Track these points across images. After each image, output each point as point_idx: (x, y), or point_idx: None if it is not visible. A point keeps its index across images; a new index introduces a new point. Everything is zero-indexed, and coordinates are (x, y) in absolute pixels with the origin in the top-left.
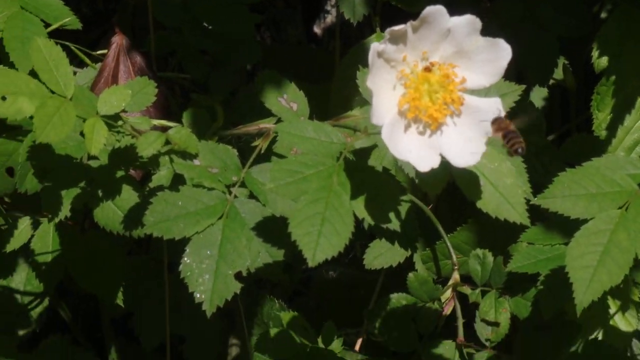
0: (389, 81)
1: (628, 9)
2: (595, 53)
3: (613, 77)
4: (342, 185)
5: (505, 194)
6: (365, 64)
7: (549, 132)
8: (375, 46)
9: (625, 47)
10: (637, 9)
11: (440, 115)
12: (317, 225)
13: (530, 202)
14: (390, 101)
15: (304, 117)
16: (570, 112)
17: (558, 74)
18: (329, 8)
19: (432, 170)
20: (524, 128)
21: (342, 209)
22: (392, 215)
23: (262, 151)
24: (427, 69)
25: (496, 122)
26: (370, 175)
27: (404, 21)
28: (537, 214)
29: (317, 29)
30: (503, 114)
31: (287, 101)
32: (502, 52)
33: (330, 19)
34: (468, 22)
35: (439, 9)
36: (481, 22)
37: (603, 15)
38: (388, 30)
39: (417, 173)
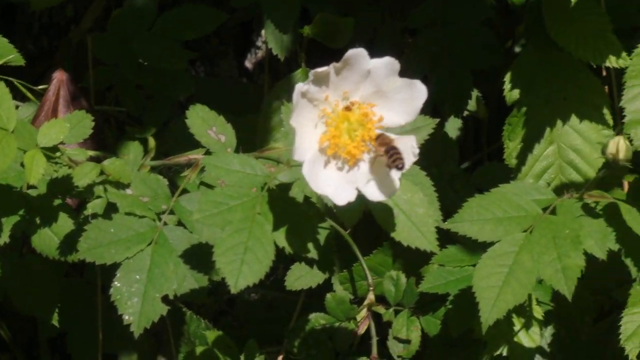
0: (311, 119)
1: (540, 44)
2: (507, 86)
3: (524, 109)
4: (264, 216)
5: (417, 223)
6: (290, 98)
7: (463, 161)
8: (299, 87)
9: (536, 80)
10: (548, 45)
11: (358, 152)
12: (240, 254)
13: (440, 224)
14: (312, 138)
15: (231, 148)
16: (482, 142)
17: (472, 105)
18: (259, 44)
19: (349, 204)
20: (438, 157)
21: (264, 238)
22: (310, 245)
23: (191, 181)
24: (348, 108)
25: (380, 137)
26: (291, 206)
27: (327, 56)
28: (449, 238)
29: (248, 64)
30: (417, 151)
31: (216, 133)
32: (418, 92)
33: (261, 54)
34: (387, 64)
35: (360, 52)
36: (399, 64)
37: (517, 49)
38: (312, 72)
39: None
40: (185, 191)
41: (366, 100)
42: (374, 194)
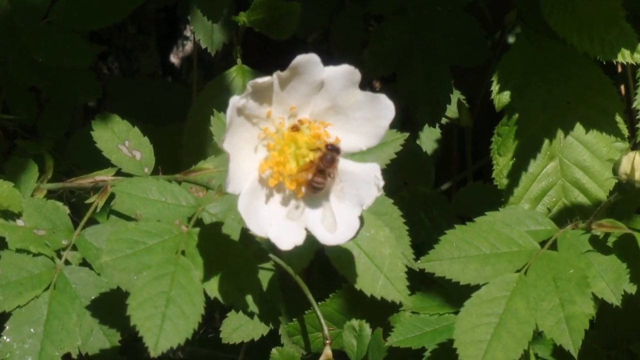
0: (249, 141)
1: (534, 35)
2: (495, 87)
3: (516, 116)
4: (191, 258)
5: (382, 267)
6: (223, 105)
7: (441, 182)
8: (235, 101)
9: (531, 79)
10: (546, 35)
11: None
12: (161, 307)
13: (412, 265)
14: (250, 165)
15: (149, 168)
16: (465, 157)
17: (452, 111)
18: (188, 34)
19: (297, 247)
20: (410, 177)
21: (190, 287)
22: (249, 298)
23: (99, 209)
24: (295, 128)
25: (330, 161)
26: (224, 245)
27: (270, 49)
28: (424, 278)
29: (174, 59)
30: (381, 183)
31: (129, 149)
32: (383, 109)
33: (189, 46)
34: (345, 74)
35: (311, 58)
36: (360, 74)
37: (509, 40)
38: (250, 82)
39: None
40: (92, 222)
41: (318, 118)
42: (328, 237)
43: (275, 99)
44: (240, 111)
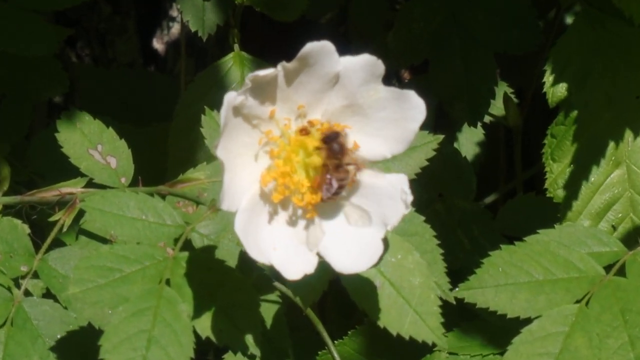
0: (248, 147)
1: (596, 15)
2: (548, 78)
3: (574, 113)
4: (178, 289)
5: (411, 300)
6: (218, 99)
7: (484, 193)
8: (231, 99)
9: (593, 68)
10: (610, 15)
11: (319, 198)
12: (141, 350)
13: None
14: (250, 177)
15: (126, 178)
16: (513, 164)
17: (497, 108)
18: (174, 14)
19: (306, 276)
20: (445, 189)
21: (177, 324)
22: (249, 337)
23: (65, 229)
24: (304, 131)
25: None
26: (218, 274)
27: (274, 35)
28: (463, 312)
29: (157, 44)
30: (410, 198)
31: (103, 154)
32: (411, 109)
33: (176, 29)
34: (365, 65)
35: (324, 47)
36: (384, 65)
37: (568, 20)
38: (250, 76)
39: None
40: (57, 243)
41: (333, 119)
42: (345, 263)
43: (280, 96)
44: (237, 110)
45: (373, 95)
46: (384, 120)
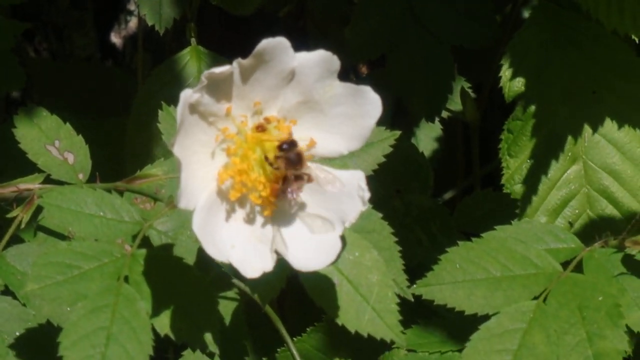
0: (205, 145)
1: (553, 8)
2: (505, 72)
3: (531, 108)
4: (136, 286)
5: (369, 298)
6: (175, 94)
7: (441, 190)
8: (187, 96)
9: (550, 63)
10: (568, 9)
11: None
12: (100, 347)
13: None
14: (207, 175)
15: (84, 174)
16: (471, 159)
17: (455, 102)
18: (132, 7)
19: (265, 274)
20: (403, 185)
21: (136, 321)
22: (208, 335)
23: (23, 225)
24: (261, 128)
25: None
26: (176, 271)
27: (231, 27)
28: (421, 308)
29: (115, 38)
30: (367, 195)
31: (60, 150)
32: (367, 105)
33: (134, 22)
34: (320, 61)
35: (280, 43)
36: (339, 61)
37: (525, 14)
38: (205, 73)
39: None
40: (15, 240)
41: (289, 116)
42: (302, 261)
43: (235, 93)
44: (193, 108)
45: (329, 91)
46: (340, 117)
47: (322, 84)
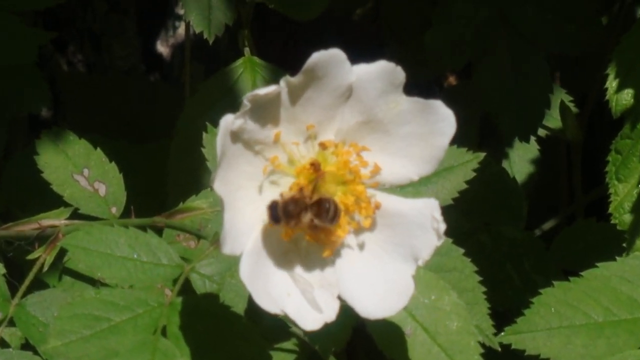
0: (251, 178)
1: None
2: (612, 83)
3: None
4: (175, 341)
5: (448, 348)
6: (226, 112)
7: (536, 221)
8: (227, 123)
9: None
10: None
11: (339, 232)
12: None
13: (492, 342)
14: (254, 213)
15: (117, 208)
16: (574, 185)
17: (553, 119)
18: (182, 12)
19: (327, 325)
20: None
21: None
22: None
23: (46, 268)
24: (315, 166)
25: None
26: (222, 322)
27: (293, 34)
28: (509, 359)
29: (162, 47)
30: (442, 227)
31: (90, 180)
32: (439, 122)
33: (183, 28)
34: (382, 74)
35: (334, 56)
36: (404, 73)
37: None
38: (249, 95)
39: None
40: (37, 285)
41: (349, 139)
42: (370, 307)
43: (285, 116)
44: (236, 136)
45: (393, 108)
46: (408, 137)
47: (386, 100)
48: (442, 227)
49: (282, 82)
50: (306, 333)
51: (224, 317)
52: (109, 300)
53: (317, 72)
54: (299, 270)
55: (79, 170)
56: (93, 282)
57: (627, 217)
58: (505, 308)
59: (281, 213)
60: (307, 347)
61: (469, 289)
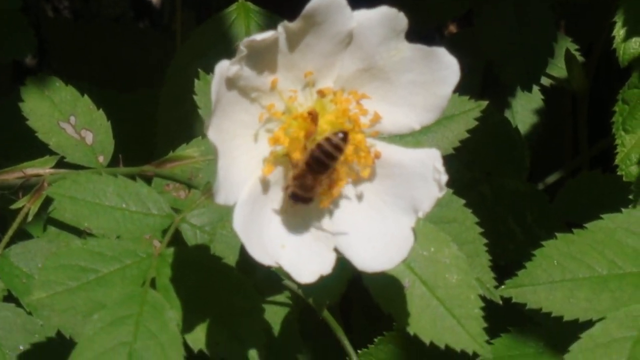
0: (247, 126)
1: None
2: (619, 32)
3: None
4: (165, 293)
5: (447, 301)
6: (218, 59)
7: (542, 172)
8: (223, 69)
9: None
10: None
11: (336, 183)
12: None
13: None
14: (249, 163)
15: (105, 156)
16: (579, 137)
17: (558, 68)
18: None
19: (322, 278)
20: (492, 167)
21: (164, 335)
22: (252, 351)
23: (31, 217)
24: (313, 116)
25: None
26: (214, 274)
27: None
28: (511, 313)
29: None
30: (444, 178)
31: (77, 128)
32: (442, 70)
33: None
34: (383, 19)
35: (334, 0)
36: (406, 19)
37: None
38: (245, 41)
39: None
40: (21, 235)
41: (348, 86)
42: (368, 260)
43: (282, 63)
44: (231, 83)
45: (395, 55)
46: (410, 85)
47: (387, 47)
48: (444, 178)
49: (280, 28)
50: (300, 286)
51: (215, 269)
52: (96, 250)
53: (316, 17)
54: (294, 221)
55: (66, 117)
56: (79, 232)
57: (634, 169)
58: (507, 262)
59: (303, 192)
60: (300, 301)
61: (469, 240)
